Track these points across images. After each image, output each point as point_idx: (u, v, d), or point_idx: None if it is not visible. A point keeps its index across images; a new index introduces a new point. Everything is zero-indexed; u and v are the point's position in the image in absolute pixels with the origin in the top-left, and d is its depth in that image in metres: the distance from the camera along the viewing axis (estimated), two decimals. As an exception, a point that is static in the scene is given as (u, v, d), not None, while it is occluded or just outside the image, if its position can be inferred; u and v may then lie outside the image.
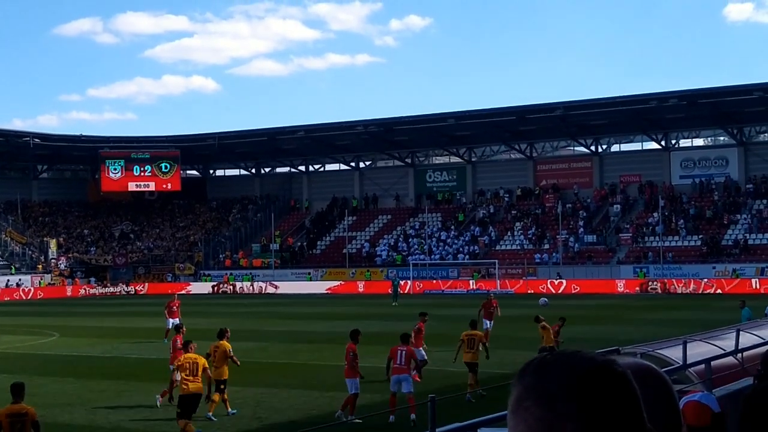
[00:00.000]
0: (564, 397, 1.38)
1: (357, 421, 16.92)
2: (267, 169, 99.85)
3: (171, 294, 47.43)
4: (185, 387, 16.70)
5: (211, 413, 18.16)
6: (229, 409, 18.70)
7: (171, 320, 33.26)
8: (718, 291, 60.99)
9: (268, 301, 62.42)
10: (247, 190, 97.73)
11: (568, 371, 1.40)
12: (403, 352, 18.28)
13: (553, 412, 1.38)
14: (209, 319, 45.29)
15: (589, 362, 1.42)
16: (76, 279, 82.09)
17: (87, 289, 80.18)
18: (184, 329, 23.00)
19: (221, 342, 19.11)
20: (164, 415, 18.69)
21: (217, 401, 18.38)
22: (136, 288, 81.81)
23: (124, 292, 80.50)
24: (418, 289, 70.70)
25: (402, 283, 67.73)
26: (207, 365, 17.22)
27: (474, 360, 20.68)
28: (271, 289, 75.75)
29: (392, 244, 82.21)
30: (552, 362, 1.43)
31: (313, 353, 28.55)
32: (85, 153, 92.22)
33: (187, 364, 16.92)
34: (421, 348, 23.50)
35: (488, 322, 30.97)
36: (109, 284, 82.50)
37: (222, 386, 18.55)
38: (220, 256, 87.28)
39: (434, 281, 72.36)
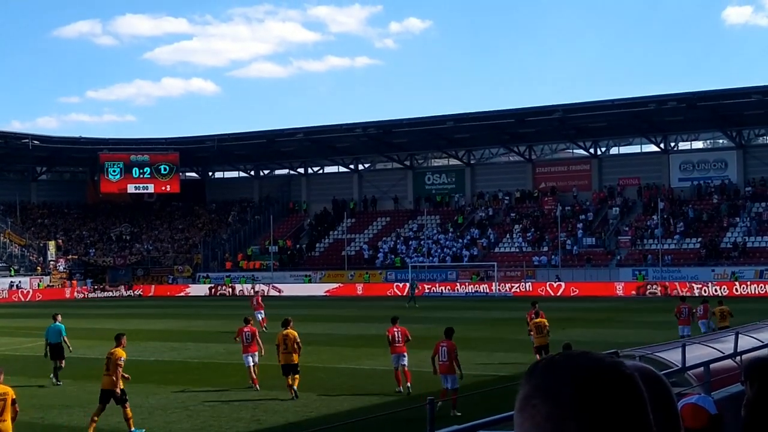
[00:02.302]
0: (571, 396, 1.39)
1: (458, 414, 17.32)
2: (266, 172, 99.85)
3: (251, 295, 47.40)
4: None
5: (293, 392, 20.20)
6: (294, 395, 20.16)
7: (258, 312, 38.60)
8: (717, 293, 60.95)
9: (266, 303, 62.28)
10: (245, 193, 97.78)
11: (576, 371, 1.41)
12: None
13: (560, 410, 1.39)
14: (207, 320, 45.32)
15: (597, 363, 1.43)
16: (74, 281, 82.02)
17: (84, 292, 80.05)
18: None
19: (288, 330, 20.83)
20: (163, 417, 18.69)
21: (291, 383, 20.22)
22: (137, 290, 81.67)
23: (125, 294, 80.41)
24: (416, 291, 70.63)
25: (401, 285, 67.66)
26: (122, 363, 17.47)
27: (544, 343, 23.45)
28: (273, 292, 75.49)
29: (391, 246, 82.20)
30: (560, 362, 1.45)
31: (312, 355, 28.51)
32: (84, 155, 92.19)
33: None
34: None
35: (685, 328, 28.96)
36: (107, 286, 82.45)
37: (298, 370, 20.56)
38: (219, 259, 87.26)
39: (433, 283, 72.35)
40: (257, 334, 22.74)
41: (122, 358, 17.48)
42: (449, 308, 52.57)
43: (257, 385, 21.61)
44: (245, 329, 22.58)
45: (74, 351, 25.46)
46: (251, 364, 22.00)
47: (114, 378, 17.17)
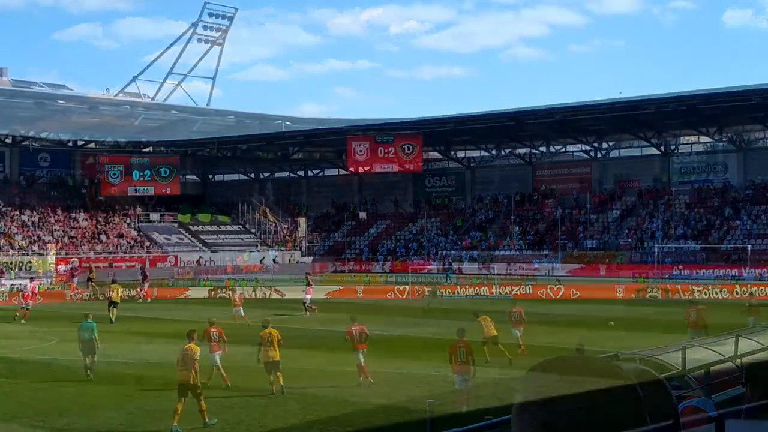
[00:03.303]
0: (568, 401, 1.39)
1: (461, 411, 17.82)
2: (266, 174, 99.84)
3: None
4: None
5: (275, 388, 21.30)
6: (275, 391, 21.25)
7: (238, 308, 41.57)
8: (718, 296, 60.88)
9: (265, 306, 62.22)
10: (246, 195, 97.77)
11: (572, 376, 1.42)
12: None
13: (556, 416, 1.39)
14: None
15: (593, 367, 1.44)
16: (72, 284, 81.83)
17: (82, 294, 79.79)
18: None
19: (270, 329, 22.23)
20: (163, 419, 18.68)
21: (274, 380, 21.30)
22: (137, 292, 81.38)
23: (127, 297, 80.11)
24: (417, 294, 70.61)
25: (401, 288, 67.42)
26: (197, 357, 18.86)
27: (492, 334, 26.79)
28: (276, 296, 75.15)
29: (391, 249, 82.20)
30: (557, 367, 1.45)
31: (312, 359, 28.51)
32: (85, 158, 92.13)
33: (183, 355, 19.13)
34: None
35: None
36: (107, 289, 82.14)
37: (279, 367, 21.64)
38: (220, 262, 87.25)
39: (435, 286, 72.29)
40: (223, 334, 23.86)
41: (198, 353, 18.86)
42: (449, 310, 52.48)
43: (228, 382, 22.46)
44: (212, 330, 23.82)
45: (75, 354, 25.43)
46: (216, 363, 23.24)
47: (191, 372, 18.38)
